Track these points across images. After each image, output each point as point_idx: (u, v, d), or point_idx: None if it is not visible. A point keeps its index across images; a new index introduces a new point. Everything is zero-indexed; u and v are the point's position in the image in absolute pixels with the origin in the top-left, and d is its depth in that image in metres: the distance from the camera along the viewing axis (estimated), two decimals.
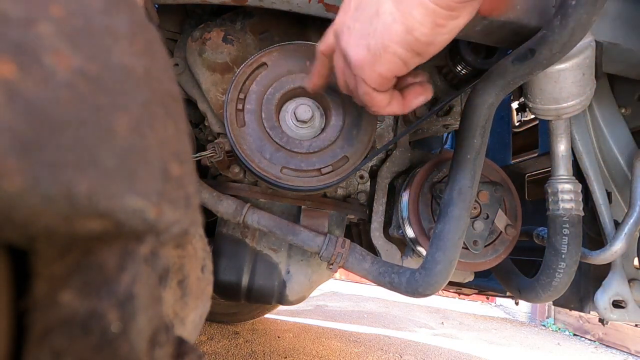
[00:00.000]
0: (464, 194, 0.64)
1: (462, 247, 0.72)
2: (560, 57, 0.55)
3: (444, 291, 1.26)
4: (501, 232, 0.79)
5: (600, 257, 0.76)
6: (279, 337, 2.23)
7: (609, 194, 0.84)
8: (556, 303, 0.93)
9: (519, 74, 0.59)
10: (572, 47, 0.54)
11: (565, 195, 0.71)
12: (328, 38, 0.56)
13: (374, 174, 0.89)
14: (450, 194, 0.65)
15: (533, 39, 0.56)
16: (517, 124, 1.32)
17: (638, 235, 0.78)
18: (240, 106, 0.69)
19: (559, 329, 4.45)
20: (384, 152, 0.89)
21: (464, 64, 0.82)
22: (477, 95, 0.64)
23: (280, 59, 0.71)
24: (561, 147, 0.73)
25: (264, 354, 1.89)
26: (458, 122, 0.86)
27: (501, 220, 0.79)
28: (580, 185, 0.73)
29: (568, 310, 1.10)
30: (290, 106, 0.73)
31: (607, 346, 3.75)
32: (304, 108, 0.71)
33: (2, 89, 0.16)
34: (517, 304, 1.31)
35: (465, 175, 0.64)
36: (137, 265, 0.21)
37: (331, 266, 0.76)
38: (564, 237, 0.70)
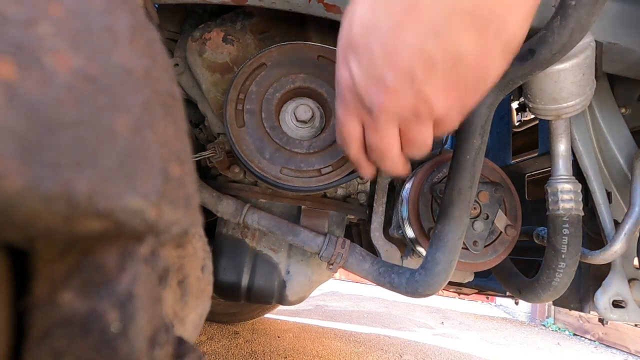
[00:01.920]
0: (464, 195, 0.64)
1: (462, 248, 0.72)
2: (560, 58, 0.55)
3: (444, 291, 1.26)
4: (501, 232, 0.79)
5: (600, 257, 0.76)
6: (279, 337, 2.23)
7: (609, 194, 0.84)
8: (556, 303, 0.93)
9: (518, 74, 0.59)
10: (571, 48, 0.54)
11: (565, 195, 0.71)
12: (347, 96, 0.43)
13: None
14: (449, 195, 0.65)
15: (533, 39, 0.56)
16: (517, 124, 1.32)
17: (638, 235, 0.78)
18: (240, 106, 0.69)
19: (559, 328, 4.45)
20: None
21: None
22: None
23: (280, 59, 0.71)
24: (561, 147, 0.73)
25: (264, 354, 1.89)
26: None
27: (501, 221, 0.79)
28: (580, 185, 0.73)
29: (568, 310, 1.09)
30: (290, 106, 0.73)
31: (607, 346, 3.75)
32: (303, 108, 0.71)
33: (2, 90, 0.16)
34: (517, 303, 1.31)
35: (464, 175, 0.64)
36: (137, 265, 0.21)
37: (331, 266, 0.76)
38: (564, 237, 0.70)
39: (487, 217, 0.78)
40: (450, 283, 0.93)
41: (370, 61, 0.38)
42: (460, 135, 0.67)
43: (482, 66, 0.37)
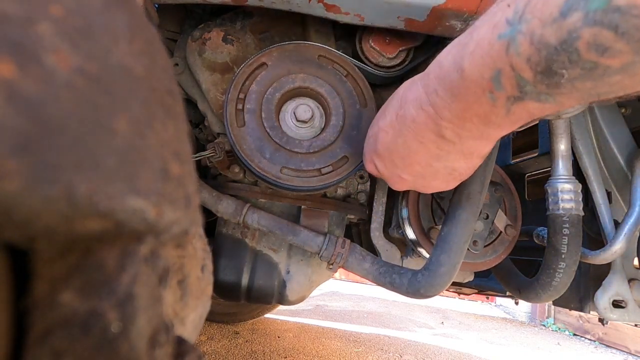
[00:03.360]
0: (473, 199, 0.64)
1: None
2: None
3: (444, 291, 1.26)
4: (501, 232, 0.79)
5: (600, 257, 0.76)
6: (279, 337, 2.23)
7: (609, 194, 0.84)
8: (556, 303, 0.93)
9: None
10: None
11: (565, 195, 0.71)
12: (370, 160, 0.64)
13: None
14: (458, 198, 0.65)
15: None
16: None
17: (638, 235, 0.78)
18: (240, 106, 0.68)
19: (559, 328, 4.45)
20: None
21: None
22: None
23: (280, 59, 0.71)
24: (561, 147, 0.73)
25: (264, 354, 1.89)
26: None
27: (501, 221, 0.79)
28: (580, 185, 0.73)
29: (568, 310, 1.09)
30: (290, 106, 0.73)
31: (607, 346, 3.75)
32: (303, 108, 0.71)
33: (1, 89, 0.16)
34: (517, 303, 1.31)
35: (475, 180, 0.64)
36: (137, 265, 0.21)
37: (331, 266, 0.76)
38: (564, 237, 0.70)
39: (487, 217, 0.78)
40: (451, 283, 0.93)
41: (393, 166, 0.58)
42: None
43: (469, 169, 0.56)
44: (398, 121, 0.53)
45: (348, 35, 0.83)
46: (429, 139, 0.51)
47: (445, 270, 0.64)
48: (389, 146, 0.56)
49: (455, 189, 0.67)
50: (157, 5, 0.77)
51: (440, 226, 0.68)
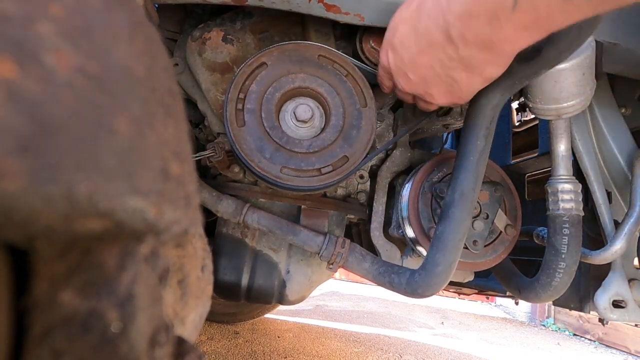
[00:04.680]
0: (466, 196, 0.64)
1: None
2: (567, 56, 0.55)
3: (444, 291, 1.26)
4: (501, 232, 0.79)
5: (600, 257, 0.76)
6: (279, 337, 2.23)
7: (609, 194, 0.84)
8: (556, 303, 0.93)
9: (525, 73, 0.58)
10: (579, 46, 0.53)
11: (565, 195, 0.71)
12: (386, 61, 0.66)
13: (373, 174, 0.89)
14: (452, 196, 0.65)
15: None
16: (517, 124, 1.32)
17: (638, 235, 0.78)
18: (240, 106, 0.68)
19: (559, 328, 4.45)
20: (383, 151, 0.89)
21: None
22: (482, 96, 0.63)
23: (280, 59, 0.71)
24: (561, 147, 0.73)
25: (264, 354, 1.89)
26: (458, 122, 0.86)
27: (501, 220, 0.79)
28: (580, 185, 0.73)
29: (568, 310, 1.09)
30: (290, 106, 0.73)
31: (607, 346, 3.75)
32: (303, 108, 0.71)
33: (2, 89, 0.16)
34: (517, 304, 1.32)
35: (467, 177, 0.64)
36: (137, 265, 0.21)
37: (331, 266, 0.76)
38: (564, 237, 0.70)
39: (487, 217, 0.78)
40: (451, 283, 0.93)
41: (402, 63, 0.60)
42: (464, 136, 0.66)
43: (469, 87, 0.58)
44: (417, 13, 0.54)
45: (348, 35, 0.83)
46: (437, 40, 0.52)
47: (441, 269, 0.64)
48: (403, 40, 0.57)
49: (449, 187, 0.67)
50: (157, 5, 0.77)
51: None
